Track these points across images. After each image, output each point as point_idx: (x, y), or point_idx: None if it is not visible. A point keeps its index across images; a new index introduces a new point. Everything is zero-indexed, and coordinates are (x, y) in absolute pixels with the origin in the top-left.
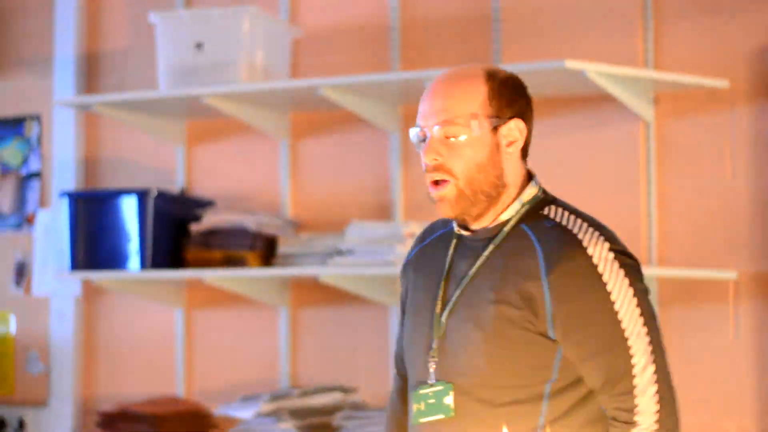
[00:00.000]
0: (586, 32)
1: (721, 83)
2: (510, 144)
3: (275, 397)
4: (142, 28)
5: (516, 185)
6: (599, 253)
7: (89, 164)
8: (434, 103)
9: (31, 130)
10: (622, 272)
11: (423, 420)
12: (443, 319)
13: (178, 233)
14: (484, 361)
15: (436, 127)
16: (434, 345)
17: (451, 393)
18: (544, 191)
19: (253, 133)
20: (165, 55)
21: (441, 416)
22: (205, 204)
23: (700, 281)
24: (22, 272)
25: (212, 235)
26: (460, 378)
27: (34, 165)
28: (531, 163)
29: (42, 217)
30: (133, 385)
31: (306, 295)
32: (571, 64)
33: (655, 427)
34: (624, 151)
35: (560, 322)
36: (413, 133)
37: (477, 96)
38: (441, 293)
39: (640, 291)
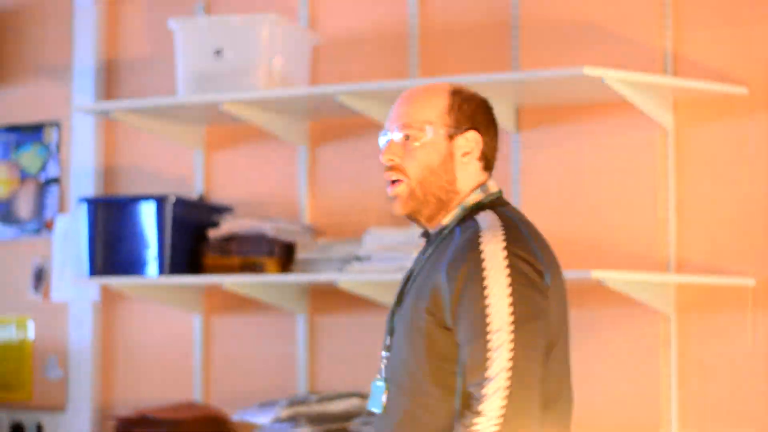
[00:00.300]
0: (604, 39)
1: (740, 90)
2: (465, 154)
3: (293, 402)
4: (161, 35)
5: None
6: (492, 250)
7: (108, 170)
8: (399, 109)
9: (50, 136)
10: (506, 272)
11: (369, 409)
12: (395, 318)
13: (197, 239)
14: (405, 353)
15: (396, 131)
16: (387, 342)
17: (385, 386)
18: (497, 199)
19: (272, 140)
20: (184, 62)
21: (376, 409)
22: (223, 210)
23: (719, 288)
24: (40, 278)
25: (230, 241)
26: (394, 371)
27: (53, 171)
28: (551, 170)
29: (61, 223)
30: (151, 391)
31: (324, 301)
32: (590, 70)
33: (498, 421)
34: (643, 158)
35: (451, 312)
36: (381, 138)
37: (437, 105)
38: (399, 295)
39: (519, 294)
